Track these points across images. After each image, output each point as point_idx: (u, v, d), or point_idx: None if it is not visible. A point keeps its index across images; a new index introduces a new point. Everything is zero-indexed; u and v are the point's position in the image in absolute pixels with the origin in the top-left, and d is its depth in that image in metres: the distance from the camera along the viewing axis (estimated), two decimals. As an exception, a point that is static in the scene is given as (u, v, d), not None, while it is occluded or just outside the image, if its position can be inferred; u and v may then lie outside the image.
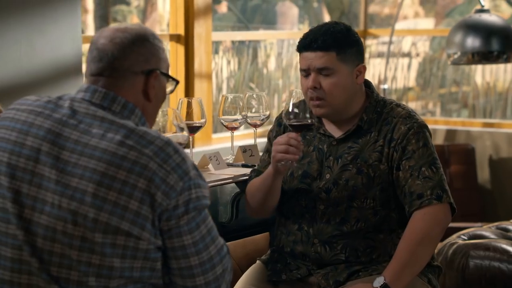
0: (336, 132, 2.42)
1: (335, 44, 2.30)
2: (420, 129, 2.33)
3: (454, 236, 3.46)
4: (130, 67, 1.78)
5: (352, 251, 2.34)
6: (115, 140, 1.70)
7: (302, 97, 2.42)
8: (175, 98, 4.26)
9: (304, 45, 2.34)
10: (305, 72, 2.35)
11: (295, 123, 2.26)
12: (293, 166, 2.32)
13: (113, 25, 1.84)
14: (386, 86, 5.29)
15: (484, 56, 4.18)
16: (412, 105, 6.15)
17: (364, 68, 2.37)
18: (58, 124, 1.74)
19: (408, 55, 6.10)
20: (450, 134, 5.49)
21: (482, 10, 4.29)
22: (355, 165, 2.35)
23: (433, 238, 2.27)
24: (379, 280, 2.22)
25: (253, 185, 2.47)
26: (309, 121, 2.26)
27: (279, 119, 2.54)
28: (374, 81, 6.22)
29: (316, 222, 2.37)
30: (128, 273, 1.71)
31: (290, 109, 2.26)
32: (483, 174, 5.33)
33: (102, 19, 6.43)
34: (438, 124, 5.66)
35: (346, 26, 2.36)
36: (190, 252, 1.75)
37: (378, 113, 2.39)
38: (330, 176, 2.36)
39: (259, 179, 2.43)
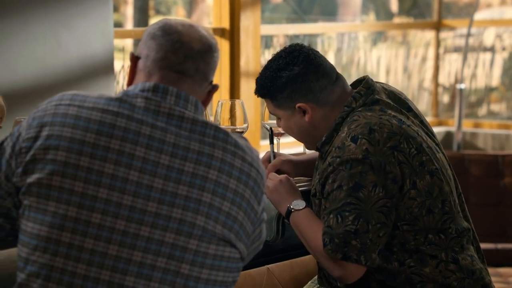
0: None
1: (265, 92, 2.42)
2: (341, 166, 2.27)
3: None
4: (208, 73, 1.86)
5: None
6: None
7: None
8: (215, 99, 4.26)
9: None
10: None
11: None
12: None
13: (188, 22, 1.87)
14: (463, 86, 5.21)
15: None
16: (496, 107, 6.02)
17: (304, 107, 2.39)
18: (145, 126, 1.76)
19: (491, 49, 6.04)
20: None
21: None
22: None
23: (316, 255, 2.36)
24: (300, 204, 2.40)
25: None
26: None
27: None
28: (449, 80, 6.13)
29: None
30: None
31: None
32: None
33: (142, 11, 6.49)
34: (527, 130, 5.61)
35: (279, 65, 2.39)
36: None
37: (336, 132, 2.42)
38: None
39: None
